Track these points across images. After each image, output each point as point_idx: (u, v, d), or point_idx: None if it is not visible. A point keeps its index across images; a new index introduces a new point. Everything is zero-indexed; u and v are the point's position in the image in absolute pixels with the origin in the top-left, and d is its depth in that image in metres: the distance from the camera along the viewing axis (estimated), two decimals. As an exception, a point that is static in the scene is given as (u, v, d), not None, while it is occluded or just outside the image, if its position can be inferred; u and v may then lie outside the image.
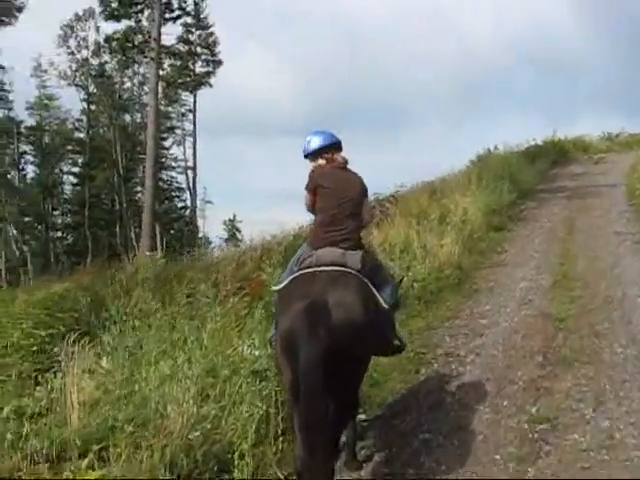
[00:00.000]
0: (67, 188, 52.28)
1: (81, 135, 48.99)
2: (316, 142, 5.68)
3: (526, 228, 16.88)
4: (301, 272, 5.08)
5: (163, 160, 57.41)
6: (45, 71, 47.23)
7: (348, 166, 5.67)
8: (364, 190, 5.57)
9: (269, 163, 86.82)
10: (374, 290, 5.16)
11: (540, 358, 7.71)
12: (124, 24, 40.24)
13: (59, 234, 53.24)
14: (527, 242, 15.13)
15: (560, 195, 21.41)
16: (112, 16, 39.21)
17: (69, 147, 49.61)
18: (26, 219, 50.16)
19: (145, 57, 36.07)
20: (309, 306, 4.52)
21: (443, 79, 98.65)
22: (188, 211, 56.82)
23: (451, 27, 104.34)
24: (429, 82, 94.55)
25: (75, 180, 50.64)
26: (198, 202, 56.91)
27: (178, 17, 37.79)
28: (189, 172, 54.89)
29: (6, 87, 46.07)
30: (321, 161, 5.66)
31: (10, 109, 47.19)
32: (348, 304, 4.66)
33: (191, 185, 54.47)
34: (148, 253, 31.95)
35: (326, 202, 5.40)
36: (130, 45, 41.04)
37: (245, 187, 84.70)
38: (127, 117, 51.23)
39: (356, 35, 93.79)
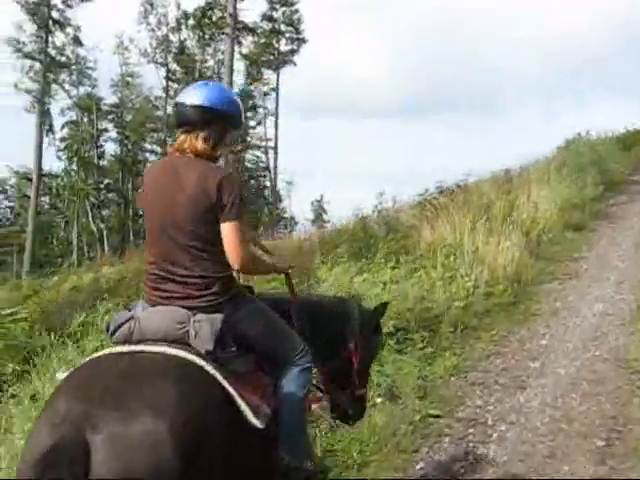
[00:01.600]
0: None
1: (160, 113, 47.50)
2: (189, 99, 3.25)
3: (612, 228, 14.00)
4: (98, 355, 2.77)
5: (248, 139, 55.71)
6: (127, 49, 46.23)
7: (219, 163, 3.40)
8: (221, 202, 3.07)
9: (363, 144, 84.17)
10: (235, 397, 2.77)
11: (601, 442, 5.09)
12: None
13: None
14: (611, 246, 12.33)
15: (659, 188, 18.28)
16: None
17: (150, 125, 48.30)
18: (108, 195, 49.50)
19: (223, 34, 33.75)
20: (50, 451, 2.18)
21: (541, 64, 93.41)
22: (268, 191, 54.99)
23: (547, 11, 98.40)
24: (527, 67, 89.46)
25: (154, 158, 49.46)
26: (280, 183, 54.98)
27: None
28: (270, 152, 52.86)
29: (90, 65, 44.91)
30: (171, 147, 3.38)
31: (94, 87, 46.30)
32: (139, 443, 2.29)
33: (272, 165, 52.45)
34: None
35: (152, 225, 3.18)
36: (208, 21, 39.33)
37: (335, 168, 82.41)
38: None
39: (453, 19, 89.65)
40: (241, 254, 3.06)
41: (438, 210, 12.40)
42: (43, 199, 43.61)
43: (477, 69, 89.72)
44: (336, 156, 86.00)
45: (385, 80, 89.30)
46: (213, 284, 3.09)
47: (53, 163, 47.20)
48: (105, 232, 43.09)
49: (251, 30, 41.99)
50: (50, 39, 38.16)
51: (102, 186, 48.61)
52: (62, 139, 45.76)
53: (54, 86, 43.12)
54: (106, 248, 41.25)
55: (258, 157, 56.45)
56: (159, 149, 48.65)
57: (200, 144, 3.17)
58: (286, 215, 64.38)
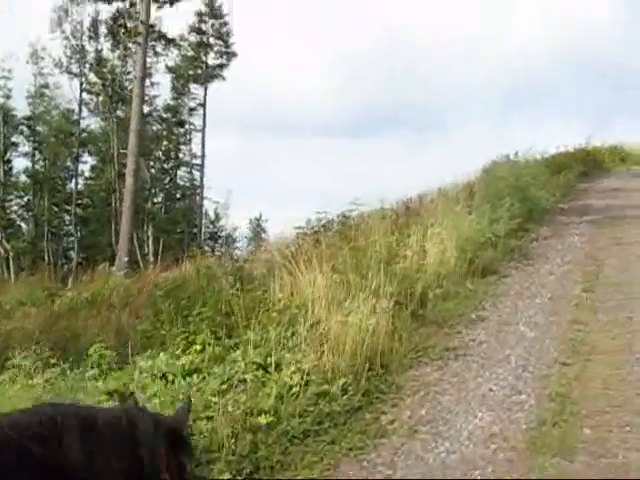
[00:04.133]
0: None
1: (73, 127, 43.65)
2: None
3: (528, 272, 11.01)
4: None
5: (180, 156, 52.34)
6: (43, 58, 42.36)
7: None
8: None
9: (299, 162, 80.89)
10: None
11: None
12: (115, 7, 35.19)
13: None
14: (522, 302, 9.30)
15: (586, 219, 15.40)
16: (102, -3, 34.12)
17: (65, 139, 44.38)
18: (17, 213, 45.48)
19: (135, 43, 30.40)
20: None
21: (486, 80, 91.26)
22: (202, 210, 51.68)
23: (494, 26, 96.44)
24: (471, 83, 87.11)
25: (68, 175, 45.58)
26: (211, 201, 51.71)
27: (176, 0, 31.90)
28: (195, 170, 49.62)
29: (5, 74, 41.08)
30: None
31: (9, 97, 42.39)
32: None
33: (197, 184, 49.17)
34: (125, 258, 27.07)
35: None
36: (119, 29, 35.85)
37: (272, 185, 79.09)
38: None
39: (395, 34, 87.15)
40: None
41: (300, 253, 9.27)
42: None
43: (426, 86, 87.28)
44: (278, 174, 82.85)
45: (330, 98, 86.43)
46: None
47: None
48: (11, 254, 38.98)
49: (170, 41, 38.61)
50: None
51: (9, 204, 44.50)
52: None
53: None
54: (12, 270, 37.31)
55: (190, 174, 52.93)
56: (71, 165, 44.79)
57: None
58: (223, 233, 61.51)
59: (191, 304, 8.29)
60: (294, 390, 5.78)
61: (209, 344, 6.82)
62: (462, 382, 6.39)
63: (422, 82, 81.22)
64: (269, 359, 6.28)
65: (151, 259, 38.42)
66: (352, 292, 7.75)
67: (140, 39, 29.44)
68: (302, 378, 5.97)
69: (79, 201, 48.69)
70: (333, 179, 66.62)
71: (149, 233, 43.03)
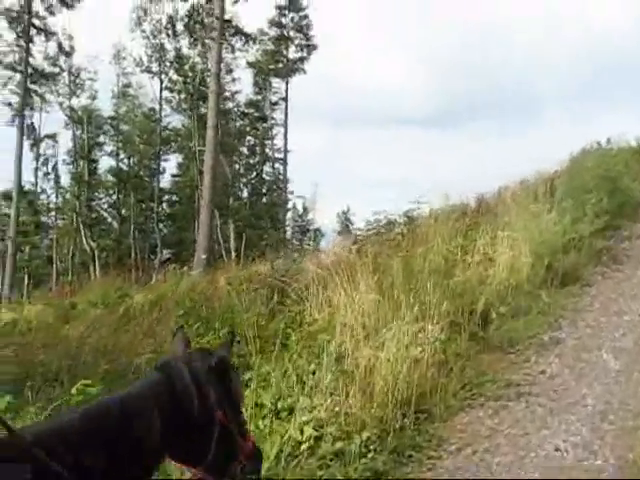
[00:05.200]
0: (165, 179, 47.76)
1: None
2: None
3: (616, 280, 9.41)
4: None
5: (265, 151, 51.71)
6: (124, 58, 42.37)
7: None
8: None
9: (386, 153, 79.14)
10: None
11: None
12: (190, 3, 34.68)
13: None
14: (607, 318, 7.76)
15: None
16: (178, -6, 33.68)
17: (145, 138, 44.23)
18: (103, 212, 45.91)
19: (211, 39, 29.77)
20: None
21: (577, 71, 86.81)
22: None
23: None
24: (563, 74, 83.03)
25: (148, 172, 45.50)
26: (291, 195, 50.94)
27: (249, -6, 31.02)
28: (277, 164, 48.87)
29: (90, 75, 41.24)
30: None
31: (94, 98, 42.61)
32: None
33: (280, 178, 48.40)
34: (203, 256, 26.48)
35: None
36: (196, 26, 35.36)
37: (360, 177, 77.69)
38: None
39: (485, 21, 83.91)
40: None
41: (341, 264, 8.01)
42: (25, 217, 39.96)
43: (510, 73, 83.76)
44: (367, 166, 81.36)
45: (415, 88, 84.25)
46: None
47: (44, 180, 43.51)
48: (96, 252, 39.14)
49: (246, 36, 37.79)
50: (33, 48, 34.51)
51: (95, 202, 44.82)
52: (40, 155, 42.21)
53: (50, 97, 39.72)
54: (97, 268, 37.52)
55: (273, 169, 52.27)
56: (152, 164, 44.70)
57: None
58: (312, 227, 60.86)
59: (210, 324, 7.19)
60: (302, 447, 4.57)
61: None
62: (522, 435, 5.01)
63: (508, 70, 78.30)
64: (281, 402, 5.09)
65: (233, 255, 37.92)
66: (396, 313, 6.45)
67: (215, 35, 28.82)
68: (318, 430, 4.76)
69: (165, 198, 48.91)
70: (421, 170, 64.91)
71: (231, 229, 42.51)
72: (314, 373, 5.52)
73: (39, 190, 43.19)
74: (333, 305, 7.12)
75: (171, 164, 47.89)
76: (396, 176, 64.10)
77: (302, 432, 4.73)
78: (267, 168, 52.82)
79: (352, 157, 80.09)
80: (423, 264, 7.82)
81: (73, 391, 6.08)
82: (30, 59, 34.23)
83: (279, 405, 5.11)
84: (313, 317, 7.12)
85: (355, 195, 78.58)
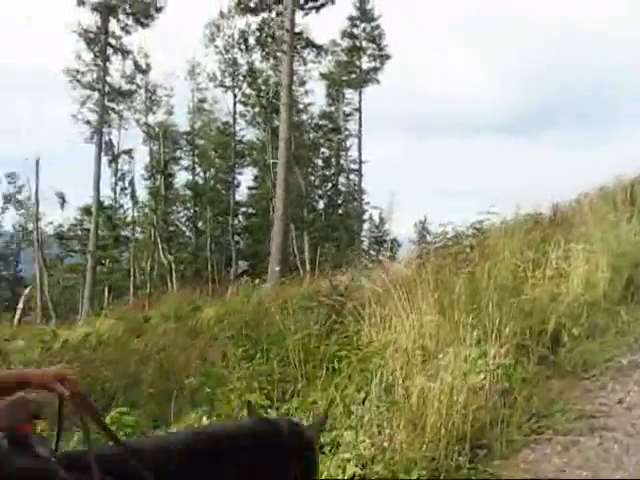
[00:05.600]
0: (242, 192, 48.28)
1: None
2: None
3: None
4: None
5: (341, 162, 51.36)
6: (199, 74, 42.93)
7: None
8: None
9: (464, 162, 77.81)
10: None
11: None
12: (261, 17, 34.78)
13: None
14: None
15: None
16: (248, 9, 33.71)
17: (219, 152, 44.76)
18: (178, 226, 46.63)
19: (282, 51, 29.76)
20: None
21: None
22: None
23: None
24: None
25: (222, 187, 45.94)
26: (367, 206, 50.43)
27: (321, 6, 30.92)
28: (352, 175, 48.49)
29: (167, 92, 41.95)
30: None
31: (171, 113, 43.33)
32: None
33: (356, 189, 48.01)
34: (277, 268, 26.36)
35: None
36: (266, 39, 35.41)
37: (438, 187, 76.58)
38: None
39: (557, 26, 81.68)
40: None
41: (405, 279, 7.53)
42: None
43: (590, 79, 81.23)
44: (444, 175, 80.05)
45: (492, 95, 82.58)
46: None
47: (121, 196, 44.35)
48: (173, 265, 39.57)
49: (317, 47, 37.65)
50: (110, 67, 35.39)
51: (172, 216, 45.44)
52: (117, 171, 43.01)
53: (127, 114, 40.58)
54: (174, 281, 37.88)
55: (347, 180, 51.86)
56: (228, 178, 45.00)
57: None
58: (389, 238, 60.20)
59: (259, 345, 6.81)
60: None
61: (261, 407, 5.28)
62: (593, 477, 4.43)
63: (587, 76, 75.91)
64: (325, 436, 4.66)
65: (307, 267, 37.75)
66: (457, 335, 5.94)
67: (286, 47, 28.77)
68: (362, 468, 4.31)
69: (242, 210, 49.20)
70: (500, 179, 63.48)
71: (305, 241, 42.37)
72: (363, 402, 5.08)
73: (117, 205, 44.15)
74: (390, 326, 6.65)
75: (247, 177, 48.25)
76: (474, 185, 62.80)
77: (344, 470, 4.29)
78: (342, 179, 52.52)
79: (429, 166, 78.94)
80: (489, 280, 7.26)
81: (107, 420, 5.81)
82: (107, 78, 35.13)
83: (322, 439, 4.67)
84: (369, 338, 6.66)
85: (432, 204, 77.42)
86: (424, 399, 4.84)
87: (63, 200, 44.39)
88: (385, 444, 4.55)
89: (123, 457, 2.16)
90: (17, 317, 28.93)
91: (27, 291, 33.19)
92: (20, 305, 30.81)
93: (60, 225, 46.70)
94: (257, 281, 21.25)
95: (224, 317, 14.51)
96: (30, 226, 44.26)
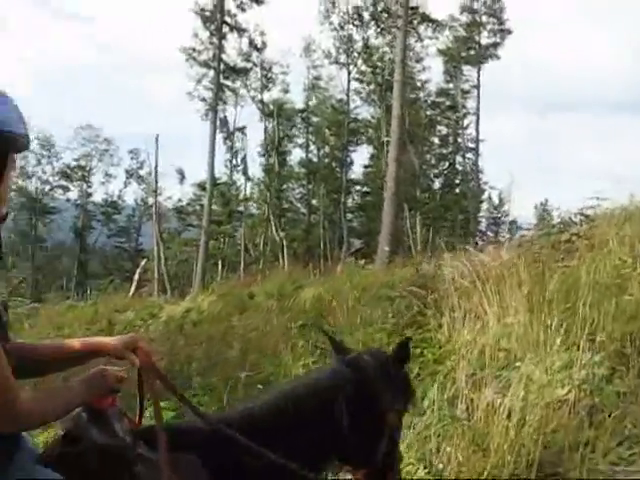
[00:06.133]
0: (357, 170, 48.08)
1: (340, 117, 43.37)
2: None
3: None
4: None
5: (458, 141, 49.88)
6: (314, 51, 42.62)
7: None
8: None
9: (588, 142, 74.23)
10: None
11: None
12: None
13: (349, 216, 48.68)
14: None
15: None
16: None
17: (333, 129, 44.39)
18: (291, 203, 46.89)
19: (397, 27, 28.96)
20: None
21: None
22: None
23: None
24: None
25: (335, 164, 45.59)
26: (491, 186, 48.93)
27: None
28: (469, 154, 46.97)
29: (283, 69, 41.93)
30: None
31: (286, 91, 43.33)
32: None
33: (473, 168, 46.53)
34: (386, 248, 25.89)
35: None
36: (385, 14, 34.55)
37: (560, 167, 73.51)
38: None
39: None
40: None
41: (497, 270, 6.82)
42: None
43: None
44: (570, 155, 76.71)
45: (624, 72, 78.16)
46: None
47: (234, 172, 44.94)
48: (285, 242, 39.61)
49: (433, 22, 36.38)
50: (225, 45, 35.57)
51: (285, 193, 45.55)
52: (232, 148, 43.40)
53: (243, 92, 40.88)
54: (285, 257, 37.95)
55: (463, 158, 50.31)
56: (341, 155, 44.54)
57: None
58: (506, 219, 58.35)
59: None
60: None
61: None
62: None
63: None
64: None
65: (418, 247, 36.94)
66: (544, 339, 5.23)
67: (400, 22, 27.95)
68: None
69: (357, 189, 48.85)
70: (627, 160, 60.15)
71: (417, 221, 41.48)
72: (424, 413, 4.49)
73: (231, 181, 44.73)
74: (473, 323, 6.00)
75: (363, 155, 47.90)
76: (604, 166, 59.79)
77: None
78: (459, 158, 51.08)
79: (552, 145, 75.87)
80: (588, 276, 6.45)
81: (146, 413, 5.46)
82: (223, 55, 35.27)
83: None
84: (448, 336, 6.04)
85: (557, 186, 74.35)
86: (490, 415, 4.20)
87: (182, 176, 45.60)
88: (440, 466, 3.95)
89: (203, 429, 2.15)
90: (132, 289, 29.71)
91: (143, 263, 34.02)
92: (136, 277, 31.61)
93: (179, 200, 48.06)
94: (363, 261, 20.75)
95: (319, 298, 14.16)
96: (150, 200, 45.54)
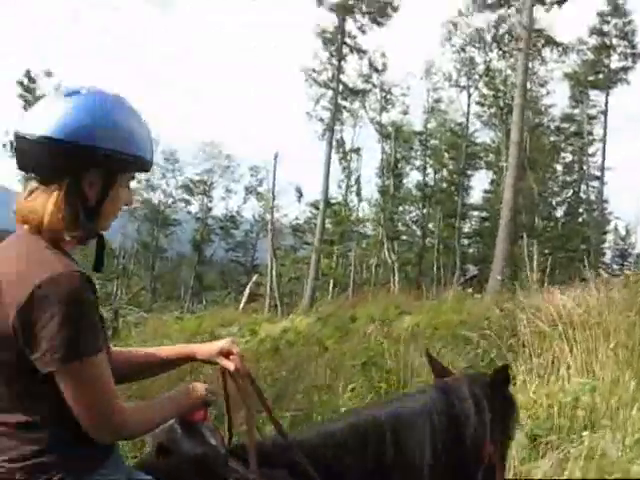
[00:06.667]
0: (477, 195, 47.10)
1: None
2: (30, 127, 1.84)
3: None
4: None
5: (584, 168, 47.72)
6: (435, 73, 41.82)
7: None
8: (30, 333, 1.71)
9: None
10: None
11: None
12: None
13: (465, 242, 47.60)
14: None
15: None
16: (486, 6, 32.22)
17: (449, 153, 43.57)
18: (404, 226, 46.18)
19: (518, 49, 28.05)
20: None
21: None
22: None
23: None
24: None
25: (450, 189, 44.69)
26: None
27: (563, 1, 28.70)
28: (592, 183, 44.84)
29: (403, 91, 41.60)
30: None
31: (406, 113, 42.83)
32: None
33: (598, 197, 44.36)
34: (498, 277, 24.99)
35: None
36: (508, 36, 33.48)
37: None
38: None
39: None
40: (98, 422, 1.80)
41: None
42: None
43: None
44: None
45: None
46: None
47: (348, 193, 44.83)
48: (396, 264, 38.95)
49: (558, 45, 34.85)
50: (344, 66, 35.68)
51: (399, 216, 44.89)
52: (346, 169, 43.21)
53: (361, 112, 40.85)
54: (396, 280, 37.33)
55: (593, 187, 47.90)
56: (458, 180, 43.54)
57: (49, 208, 1.82)
58: (634, 251, 55.40)
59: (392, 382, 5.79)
60: None
61: None
62: None
63: None
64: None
65: (535, 278, 35.38)
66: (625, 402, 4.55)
67: (522, 44, 27.04)
68: None
69: (475, 214, 47.74)
70: None
71: (534, 250, 39.89)
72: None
73: (344, 202, 44.65)
74: (551, 374, 5.36)
75: (482, 180, 46.88)
76: None
77: None
78: (583, 186, 48.84)
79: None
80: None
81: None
82: (342, 76, 35.38)
83: None
84: (522, 389, 5.41)
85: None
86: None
87: (300, 194, 46.01)
88: None
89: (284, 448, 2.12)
90: (242, 303, 30.01)
91: (254, 278, 34.43)
92: (246, 292, 31.95)
93: (296, 218, 48.55)
94: (470, 289, 19.99)
95: (420, 328, 13.59)
96: (268, 217, 46.20)
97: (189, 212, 52.15)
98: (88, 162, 1.82)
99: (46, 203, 1.80)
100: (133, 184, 2.02)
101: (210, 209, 52.59)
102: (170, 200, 51.50)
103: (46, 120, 1.79)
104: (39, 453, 1.76)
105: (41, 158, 1.80)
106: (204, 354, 2.17)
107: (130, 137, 1.87)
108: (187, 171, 51.56)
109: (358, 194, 43.61)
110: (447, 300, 19.17)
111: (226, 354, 2.14)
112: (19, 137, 1.83)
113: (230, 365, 2.12)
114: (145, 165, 1.94)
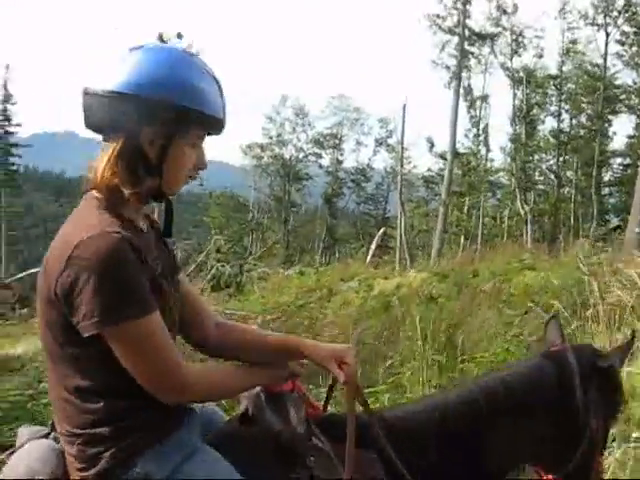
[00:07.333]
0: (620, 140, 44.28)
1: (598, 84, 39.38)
2: (98, 82, 1.83)
3: None
4: None
5: None
6: (570, 12, 38.99)
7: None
8: (70, 296, 1.69)
9: None
10: None
11: None
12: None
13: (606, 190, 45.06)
14: None
15: None
16: None
17: (586, 97, 40.79)
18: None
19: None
20: None
21: None
22: None
23: None
24: None
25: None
26: None
27: None
28: None
29: (536, 33, 39.40)
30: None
31: (541, 56, 40.48)
32: None
33: None
34: (637, 230, 23.51)
35: None
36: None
37: None
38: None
39: None
40: (156, 382, 1.79)
41: None
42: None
43: None
44: None
45: None
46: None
47: (475, 142, 43.21)
48: (529, 216, 37.22)
49: None
50: (470, 10, 34.15)
51: (532, 165, 42.73)
52: (474, 117, 41.49)
53: (491, 58, 39.17)
54: (529, 233, 35.84)
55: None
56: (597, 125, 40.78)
57: (104, 161, 1.81)
58: None
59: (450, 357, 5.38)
60: None
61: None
62: None
63: None
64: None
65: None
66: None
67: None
68: None
69: (618, 161, 44.98)
70: None
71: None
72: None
73: (472, 152, 43.25)
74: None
75: (625, 124, 43.93)
76: None
77: None
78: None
79: None
80: None
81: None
82: (468, 21, 33.95)
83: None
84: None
85: None
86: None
87: (432, 145, 45.13)
88: None
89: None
90: (368, 257, 29.77)
91: (380, 232, 34.08)
92: (373, 245, 31.68)
93: (428, 169, 47.75)
94: (600, 243, 18.68)
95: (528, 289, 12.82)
96: (398, 169, 45.64)
97: (320, 166, 52.50)
98: (146, 116, 1.76)
99: (103, 158, 1.79)
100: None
101: (341, 162, 52.70)
102: (301, 154, 51.98)
103: (108, 75, 1.78)
104: (94, 424, 1.76)
105: (103, 113, 1.79)
106: (315, 355, 2.04)
107: (193, 92, 1.79)
108: (317, 125, 51.80)
109: (486, 144, 42.06)
110: (575, 255, 18.08)
111: (339, 360, 2.01)
112: (85, 94, 1.82)
113: (341, 376, 2.00)
114: (213, 124, 1.85)
